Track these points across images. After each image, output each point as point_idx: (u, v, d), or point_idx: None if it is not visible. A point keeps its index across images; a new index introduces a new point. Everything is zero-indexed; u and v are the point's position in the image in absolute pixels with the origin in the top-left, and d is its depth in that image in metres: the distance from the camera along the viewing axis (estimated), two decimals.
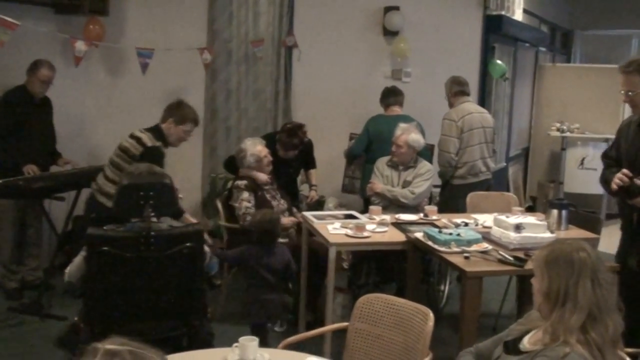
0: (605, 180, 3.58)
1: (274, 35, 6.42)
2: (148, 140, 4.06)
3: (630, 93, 3.32)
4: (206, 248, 3.28)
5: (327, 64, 6.67)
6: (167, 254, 2.97)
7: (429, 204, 5.29)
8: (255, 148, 4.92)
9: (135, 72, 5.55)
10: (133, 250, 2.94)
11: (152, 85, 5.80)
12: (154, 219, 3.05)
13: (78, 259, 3.09)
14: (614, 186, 3.39)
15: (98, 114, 5.85)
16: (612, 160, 3.68)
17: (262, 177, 4.93)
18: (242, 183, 4.86)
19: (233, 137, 6.36)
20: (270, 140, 5.21)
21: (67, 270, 3.13)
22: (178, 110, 4.35)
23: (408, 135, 5.06)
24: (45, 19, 5.29)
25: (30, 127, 5.03)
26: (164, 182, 3.04)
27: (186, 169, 6.14)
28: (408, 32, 6.87)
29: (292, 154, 5.25)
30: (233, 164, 5.13)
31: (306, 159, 5.58)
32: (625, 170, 3.37)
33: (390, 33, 6.84)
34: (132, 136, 4.25)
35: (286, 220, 4.84)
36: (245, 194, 4.81)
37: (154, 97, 5.92)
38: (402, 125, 5.17)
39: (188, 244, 3.01)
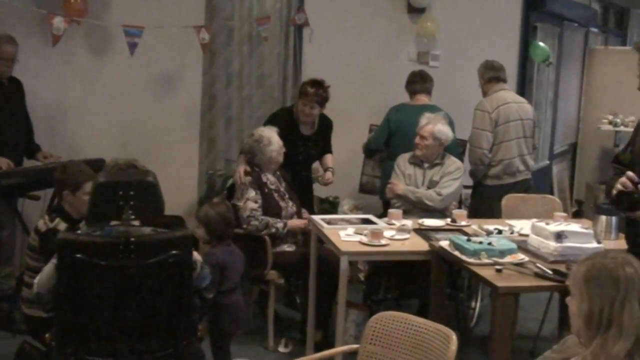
0: (609, 192, 3.20)
1: (281, 11, 6.40)
2: (42, 225, 3.84)
3: None
4: (196, 256, 3.25)
5: (342, 46, 6.64)
6: (150, 263, 2.94)
7: (458, 207, 5.24)
8: (276, 137, 4.96)
9: (123, 53, 5.55)
10: (111, 258, 2.90)
11: (141, 68, 5.81)
12: (135, 223, 3.02)
13: (48, 268, 3.06)
14: (613, 191, 3.07)
15: (80, 100, 5.87)
16: (624, 166, 3.30)
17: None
18: (248, 179, 4.87)
19: (234, 128, 6.37)
20: (285, 115, 5.32)
21: (37, 280, 3.11)
22: (66, 178, 3.92)
23: (434, 125, 5.04)
24: None
25: None
26: (147, 180, 3.01)
27: (180, 165, 6.17)
28: (436, 9, 6.82)
29: (316, 112, 5.29)
30: None
31: (325, 138, 5.60)
32: (630, 174, 3.03)
33: (415, 10, 6.80)
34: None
35: (295, 222, 4.83)
36: (252, 193, 4.82)
37: (144, 82, 5.98)
38: (427, 114, 5.16)
39: (174, 252, 2.98)
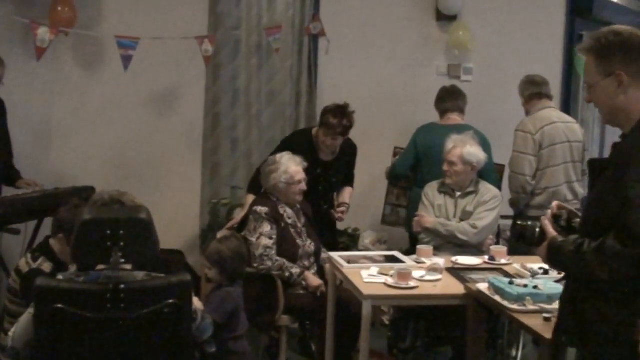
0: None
1: (294, 20, 6.36)
2: (24, 265, 3.77)
3: (586, 86, 2.83)
4: (197, 304, 3.18)
5: (363, 58, 6.59)
6: (143, 315, 2.85)
7: (496, 242, 5.19)
8: (292, 167, 4.86)
9: (116, 67, 5.57)
10: (97, 308, 2.81)
11: (137, 84, 5.84)
12: (127, 267, 2.93)
13: (24, 319, 2.96)
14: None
15: (68, 120, 5.90)
16: None
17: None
18: (263, 210, 4.76)
19: (241, 151, 6.34)
20: (303, 140, 5.24)
21: (11, 332, 3.02)
22: (72, 220, 3.65)
23: (462, 148, 4.99)
24: None
25: None
26: (139, 217, 2.90)
27: (180, 193, 6.17)
28: (468, 17, 6.76)
29: (339, 142, 5.23)
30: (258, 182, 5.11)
31: (348, 167, 5.54)
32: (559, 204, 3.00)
33: (445, 18, 6.74)
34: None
35: (313, 282, 4.75)
36: (267, 227, 4.74)
37: (140, 100, 6.03)
38: (454, 136, 5.10)
39: (171, 301, 2.88)
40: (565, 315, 2.74)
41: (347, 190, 5.55)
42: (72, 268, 3.34)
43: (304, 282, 4.70)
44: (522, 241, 3.05)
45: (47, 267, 3.69)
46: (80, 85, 5.85)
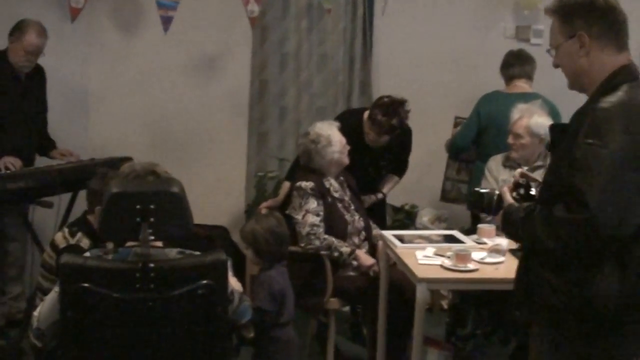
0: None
1: None
2: (61, 240, 3.87)
3: (551, 50, 2.89)
4: (234, 284, 3.19)
5: (422, 19, 6.51)
6: (174, 295, 2.86)
7: None
8: (336, 133, 4.87)
9: (155, 29, 5.60)
10: (125, 288, 2.82)
11: (177, 47, 5.87)
12: (158, 243, 2.95)
13: (50, 298, 3.00)
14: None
15: (104, 86, 5.95)
16: None
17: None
18: (308, 185, 4.74)
19: (289, 121, 6.36)
20: (352, 121, 5.15)
21: (37, 312, 3.06)
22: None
23: (529, 118, 4.91)
24: None
25: (11, 109, 5.09)
26: (171, 191, 2.88)
27: (224, 166, 6.21)
28: None
29: (385, 139, 5.15)
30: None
31: (399, 155, 5.46)
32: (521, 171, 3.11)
33: None
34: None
35: (365, 258, 4.73)
36: (313, 203, 4.73)
37: (181, 65, 6.06)
38: (520, 105, 5.03)
39: (205, 281, 2.88)
40: (518, 289, 2.79)
41: (391, 179, 5.49)
42: (110, 245, 3.36)
43: (354, 262, 4.68)
44: (477, 209, 3.30)
45: (85, 243, 3.75)
46: (117, 49, 5.89)
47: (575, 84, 2.76)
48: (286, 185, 5.12)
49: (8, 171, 4.84)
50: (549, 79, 5.82)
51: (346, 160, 4.88)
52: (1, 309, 5.30)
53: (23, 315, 5.12)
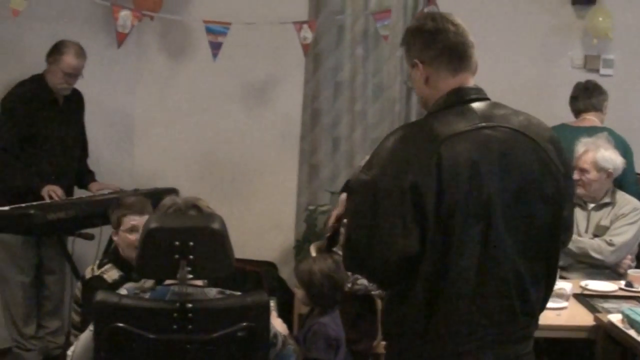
0: None
1: (406, 3, 6.35)
2: (89, 271, 3.97)
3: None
4: (278, 326, 3.19)
5: (485, 48, 6.15)
6: (213, 338, 2.85)
7: (636, 264, 5.02)
8: None
9: (204, 56, 5.61)
10: (162, 329, 2.83)
11: (227, 75, 5.90)
12: (198, 282, 2.95)
13: (85, 337, 3.01)
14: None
15: (150, 114, 6.02)
16: None
17: None
18: None
19: (343, 152, 6.37)
20: None
21: (70, 351, 3.08)
22: (111, 214, 4.13)
23: (595, 152, 4.88)
24: None
25: (50, 134, 5.14)
26: (212, 227, 2.89)
27: (274, 198, 6.22)
28: (610, 0, 6.57)
29: None
30: None
31: None
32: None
33: (582, 1, 6.60)
34: None
35: None
36: None
37: (230, 93, 6.09)
38: (584, 139, 5.01)
39: (245, 324, 2.88)
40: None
41: None
42: (149, 282, 3.37)
43: None
44: None
45: (111, 274, 3.81)
46: (165, 76, 5.96)
47: (426, 109, 2.78)
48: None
49: (51, 200, 4.88)
50: (618, 111, 5.83)
51: None
52: (39, 344, 5.33)
53: (62, 352, 5.14)
